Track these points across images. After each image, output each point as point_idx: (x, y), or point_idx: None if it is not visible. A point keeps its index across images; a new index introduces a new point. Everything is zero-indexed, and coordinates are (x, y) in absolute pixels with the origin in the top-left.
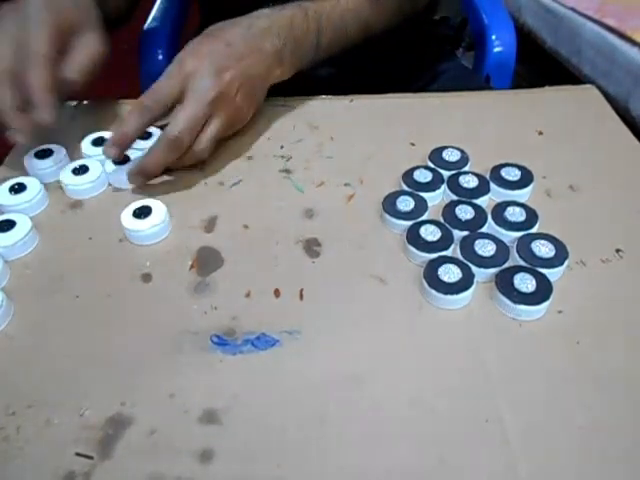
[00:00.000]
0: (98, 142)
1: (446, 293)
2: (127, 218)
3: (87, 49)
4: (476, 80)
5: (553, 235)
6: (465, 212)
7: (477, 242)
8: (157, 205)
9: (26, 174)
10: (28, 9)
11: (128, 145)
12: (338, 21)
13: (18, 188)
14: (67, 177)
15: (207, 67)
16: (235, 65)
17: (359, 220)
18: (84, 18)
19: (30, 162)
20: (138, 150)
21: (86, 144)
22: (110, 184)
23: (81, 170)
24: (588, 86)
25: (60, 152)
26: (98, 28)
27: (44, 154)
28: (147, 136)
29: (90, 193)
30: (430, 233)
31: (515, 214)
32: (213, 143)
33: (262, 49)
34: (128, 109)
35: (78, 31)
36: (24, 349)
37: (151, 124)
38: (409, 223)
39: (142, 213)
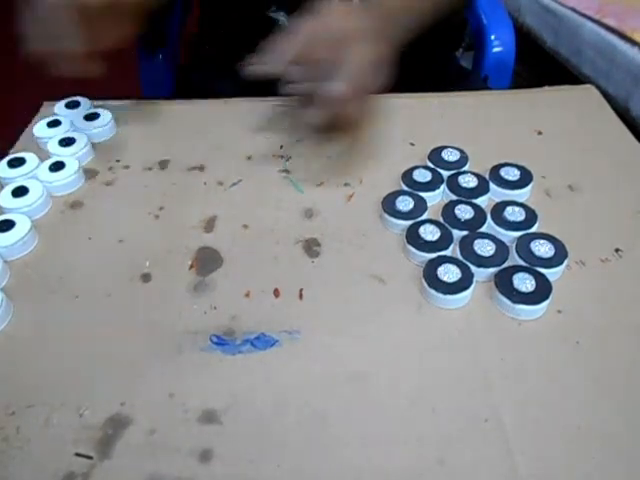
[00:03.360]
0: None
1: (446, 293)
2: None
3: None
4: (475, 80)
5: (552, 235)
6: (464, 212)
7: (476, 242)
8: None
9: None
10: None
11: (285, 62)
12: None
13: (20, 191)
14: (44, 174)
15: (362, 33)
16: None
17: (359, 220)
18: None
19: (3, 170)
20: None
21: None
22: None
23: (57, 167)
24: (588, 86)
25: (33, 161)
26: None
27: (17, 163)
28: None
29: (66, 190)
30: (429, 233)
31: (514, 214)
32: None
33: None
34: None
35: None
36: (24, 349)
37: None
38: (409, 223)
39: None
